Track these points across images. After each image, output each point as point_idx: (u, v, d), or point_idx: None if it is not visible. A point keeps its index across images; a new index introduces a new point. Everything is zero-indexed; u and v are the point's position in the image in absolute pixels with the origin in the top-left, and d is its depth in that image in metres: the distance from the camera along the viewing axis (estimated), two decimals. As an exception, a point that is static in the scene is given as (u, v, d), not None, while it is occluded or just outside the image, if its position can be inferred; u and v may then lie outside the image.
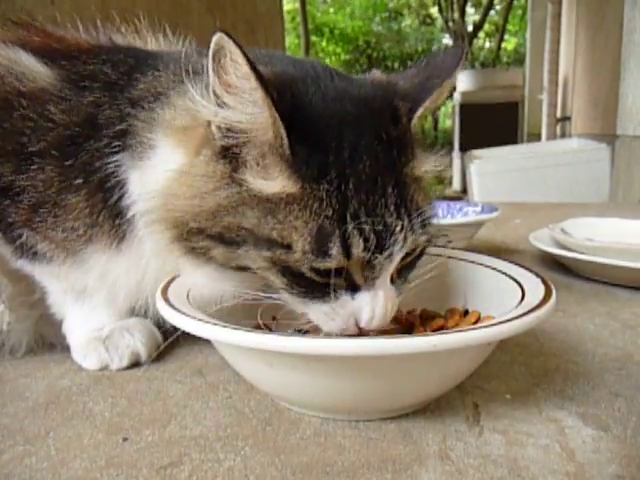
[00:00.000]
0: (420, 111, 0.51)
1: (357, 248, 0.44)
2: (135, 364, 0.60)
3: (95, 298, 0.61)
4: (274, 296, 0.50)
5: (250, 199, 0.45)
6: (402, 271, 0.51)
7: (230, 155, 0.47)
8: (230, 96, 0.44)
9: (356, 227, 0.44)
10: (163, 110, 0.52)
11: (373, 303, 0.47)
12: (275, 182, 0.45)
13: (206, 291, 0.53)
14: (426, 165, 0.51)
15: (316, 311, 0.48)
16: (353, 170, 0.45)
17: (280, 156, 0.45)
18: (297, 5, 7.69)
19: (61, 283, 0.61)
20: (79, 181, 0.54)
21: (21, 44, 0.58)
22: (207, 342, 0.53)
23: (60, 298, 0.62)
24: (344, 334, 0.48)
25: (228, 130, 0.46)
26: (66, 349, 0.62)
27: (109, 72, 0.56)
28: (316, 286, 0.47)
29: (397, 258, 0.47)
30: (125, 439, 0.45)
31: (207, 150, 0.48)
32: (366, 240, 0.44)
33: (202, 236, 0.48)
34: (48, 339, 0.65)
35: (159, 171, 0.50)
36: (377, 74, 0.56)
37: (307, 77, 0.49)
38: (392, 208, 0.46)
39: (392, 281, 0.49)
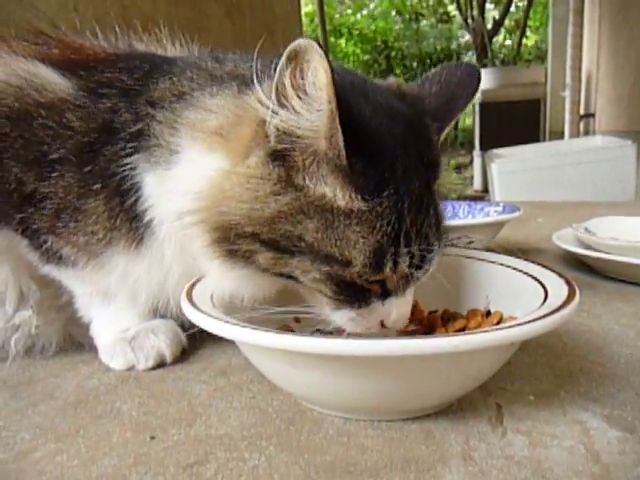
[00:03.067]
0: (446, 132, 0.54)
1: (404, 265, 0.47)
2: (160, 364, 0.61)
3: (120, 300, 0.63)
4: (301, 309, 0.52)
5: (310, 208, 0.46)
6: None
7: (282, 158, 0.47)
8: (299, 101, 0.44)
9: (406, 246, 0.47)
10: (188, 111, 0.53)
11: (400, 307, 0.50)
12: (332, 191, 0.45)
13: (228, 292, 0.53)
14: (442, 175, 0.53)
15: (344, 317, 0.50)
16: (406, 189, 0.47)
17: (336, 166, 0.45)
18: (315, 7, 7.70)
19: (86, 286, 0.62)
20: (97, 186, 0.55)
21: (41, 58, 0.60)
22: (230, 343, 0.54)
23: (86, 301, 0.64)
24: (367, 333, 0.50)
25: (285, 133, 0.45)
26: (94, 349, 0.64)
27: (125, 79, 0.58)
28: (358, 293, 0.49)
29: (430, 272, 0.50)
30: (152, 438, 0.46)
31: (259, 151, 0.47)
32: (412, 258, 0.47)
33: (252, 240, 0.48)
34: (76, 339, 0.67)
35: (190, 172, 0.51)
36: (400, 82, 0.57)
37: (354, 88, 0.49)
38: (434, 229, 0.49)
39: None
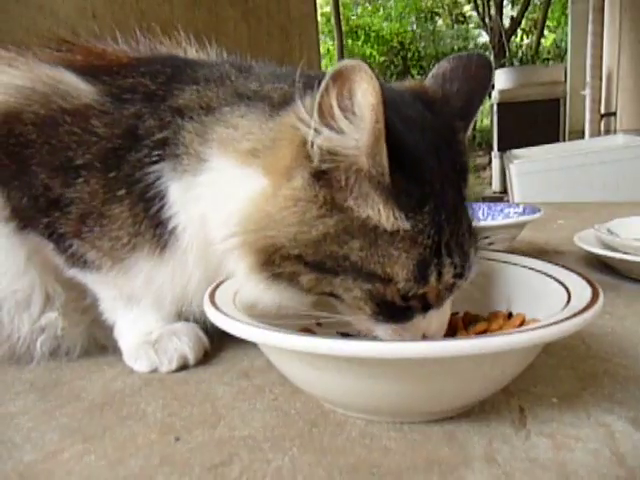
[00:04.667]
0: (470, 129, 0.55)
1: (448, 275, 0.47)
2: (183, 367, 0.61)
3: (143, 304, 0.64)
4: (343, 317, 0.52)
5: (355, 228, 0.46)
6: None
7: (325, 178, 0.46)
8: (345, 121, 0.43)
9: (448, 256, 0.47)
10: (218, 126, 0.54)
11: (440, 318, 0.51)
12: (376, 211, 0.46)
13: (261, 305, 0.53)
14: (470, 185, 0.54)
15: (386, 330, 0.51)
16: (443, 201, 0.47)
17: (379, 184, 0.45)
18: (331, 8, 7.71)
19: (110, 290, 0.63)
20: (122, 192, 0.56)
21: (65, 64, 0.61)
22: (252, 345, 0.54)
23: (110, 304, 0.65)
24: None
25: (329, 153, 0.45)
26: (118, 351, 0.65)
27: (148, 83, 0.59)
28: (399, 310, 0.49)
29: (470, 280, 0.50)
30: (177, 439, 0.47)
31: (303, 172, 0.47)
32: (455, 267, 0.47)
33: (297, 262, 0.48)
34: (100, 341, 0.68)
35: (222, 183, 0.52)
36: (422, 85, 0.57)
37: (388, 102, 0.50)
38: (467, 236, 0.49)
39: None
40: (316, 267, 0.47)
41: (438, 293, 0.49)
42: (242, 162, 0.51)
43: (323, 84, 0.42)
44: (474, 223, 0.52)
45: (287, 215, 0.47)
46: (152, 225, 0.57)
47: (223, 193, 0.52)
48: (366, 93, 0.41)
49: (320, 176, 0.46)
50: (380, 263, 0.46)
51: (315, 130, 0.45)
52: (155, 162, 0.56)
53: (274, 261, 0.49)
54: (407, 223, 0.45)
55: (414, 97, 0.54)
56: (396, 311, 0.49)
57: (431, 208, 0.46)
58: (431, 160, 0.48)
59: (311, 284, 0.49)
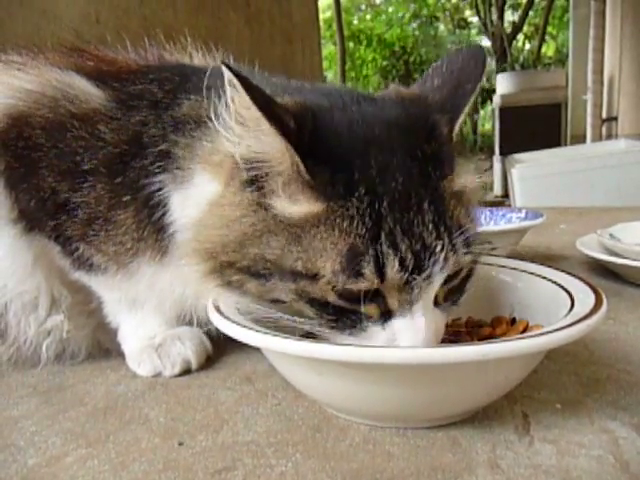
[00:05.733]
0: (461, 119, 0.52)
1: (392, 268, 0.42)
2: (186, 371, 0.61)
3: (147, 307, 0.64)
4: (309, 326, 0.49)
5: (275, 226, 0.45)
6: (450, 294, 0.49)
7: (257, 184, 0.47)
8: (240, 127, 0.44)
9: (391, 246, 0.42)
10: (202, 142, 0.54)
11: (411, 331, 0.44)
12: (300, 206, 0.45)
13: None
14: (466, 177, 0.50)
15: (344, 341, 0.47)
16: (385, 188, 0.44)
17: (302, 181, 0.44)
18: (333, 13, 7.73)
19: (115, 293, 0.64)
20: (127, 198, 0.57)
21: (75, 69, 0.62)
22: (254, 349, 0.54)
23: (115, 308, 0.65)
24: None
25: (248, 161, 0.46)
26: (121, 355, 0.65)
27: (155, 91, 0.59)
28: (345, 315, 0.45)
29: (437, 280, 0.45)
30: (180, 444, 0.47)
31: (235, 181, 0.48)
32: (402, 260, 0.43)
33: (233, 270, 0.48)
34: (105, 345, 0.68)
35: (196, 202, 0.52)
36: (398, 88, 0.56)
37: (333, 105, 0.49)
38: (430, 226, 0.44)
39: (436, 304, 0.47)
40: (248, 273, 0.47)
41: (397, 295, 0.44)
42: (213, 173, 0.52)
43: (226, 96, 0.44)
44: (456, 219, 0.46)
45: (214, 220, 0.49)
46: (154, 231, 0.57)
47: (196, 205, 0.53)
48: (239, 96, 0.42)
49: (251, 183, 0.47)
50: (301, 259, 0.44)
51: (229, 141, 0.46)
52: (158, 173, 0.56)
53: (218, 269, 0.49)
54: (329, 210, 0.44)
55: (377, 99, 0.54)
56: (343, 316, 0.45)
57: (361, 195, 0.43)
58: (370, 148, 0.45)
59: (256, 291, 0.48)
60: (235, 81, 0.41)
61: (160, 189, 0.56)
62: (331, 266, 0.43)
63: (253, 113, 0.42)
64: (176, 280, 0.59)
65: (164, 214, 0.57)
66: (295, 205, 0.45)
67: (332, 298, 0.44)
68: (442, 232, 0.44)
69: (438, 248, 0.44)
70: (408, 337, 0.44)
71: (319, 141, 0.45)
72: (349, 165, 0.45)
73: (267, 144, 0.44)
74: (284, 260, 0.45)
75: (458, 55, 0.55)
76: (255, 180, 0.47)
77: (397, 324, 0.45)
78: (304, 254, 0.44)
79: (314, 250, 0.44)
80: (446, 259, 0.44)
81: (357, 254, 0.43)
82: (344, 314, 0.45)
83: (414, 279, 0.43)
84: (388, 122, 0.48)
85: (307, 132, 0.44)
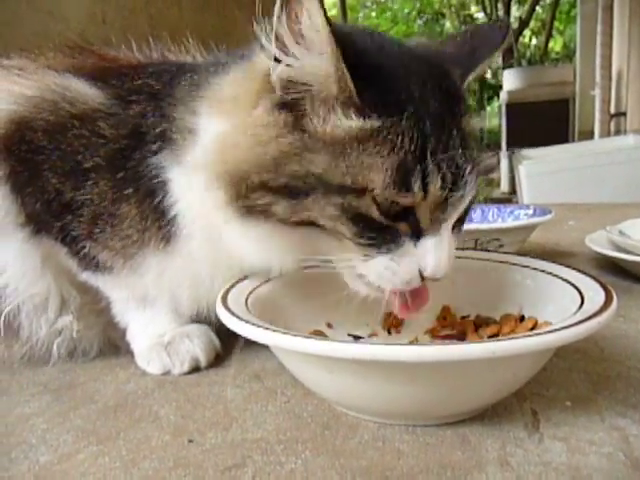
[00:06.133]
0: (471, 77, 0.55)
1: (436, 185, 0.46)
2: (195, 369, 0.62)
3: (158, 304, 0.64)
4: (328, 263, 0.51)
5: (315, 144, 0.47)
6: (456, 222, 0.51)
7: (290, 107, 0.48)
8: (298, 47, 0.45)
9: (436, 164, 0.46)
10: (204, 90, 0.55)
11: (438, 249, 0.48)
12: (348, 123, 0.46)
13: (256, 262, 0.55)
14: (474, 123, 0.54)
15: (378, 267, 0.49)
16: (426, 110, 0.47)
17: (348, 103, 0.46)
18: (338, 10, 7.71)
19: (122, 292, 0.64)
20: (129, 191, 0.57)
21: (74, 70, 0.62)
22: (263, 347, 0.54)
23: (123, 307, 0.66)
24: (409, 288, 0.50)
25: (290, 82, 0.47)
26: (130, 353, 0.65)
27: (153, 83, 0.60)
28: (383, 233, 0.48)
29: (467, 199, 0.49)
30: (190, 441, 0.47)
31: (265, 101, 0.49)
32: (444, 177, 0.46)
33: (264, 190, 0.48)
34: (115, 342, 0.69)
35: (206, 140, 0.52)
36: (420, 40, 0.60)
37: (367, 34, 0.52)
38: (461, 152, 0.48)
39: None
40: (282, 191, 0.48)
41: (429, 212, 0.47)
42: (222, 109, 0.52)
43: (275, 13, 0.43)
44: (474, 150, 0.50)
45: (243, 140, 0.49)
46: (156, 218, 0.58)
47: (204, 140, 0.53)
48: (310, 15, 0.42)
49: (284, 105, 0.48)
50: (350, 173, 0.45)
51: (275, 59, 0.46)
52: (156, 152, 0.57)
53: (243, 193, 0.49)
54: (379, 123, 0.45)
55: (413, 46, 0.56)
56: (380, 233, 0.48)
57: (410, 113, 0.46)
58: (411, 76, 0.48)
59: (286, 212, 0.49)
60: (313, 2, 0.42)
61: (159, 171, 0.56)
62: (381, 180, 0.45)
63: (322, 36, 0.43)
64: (183, 265, 0.59)
65: (164, 197, 0.57)
66: (341, 124, 0.46)
67: (375, 214, 0.47)
68: (468, 157, 0.48)
69: (467, 170, 0.48)
70: (436, 256, 0.48)
71: (365, 66, 0.46)
72: (396, 87, 0.47)
73: (319, 67, 0.45)
74: (330, 175, 0.46)
75: (483, 28, 0.59)
76: (291, 103, 0.47)
77: (427, 242, 0.48)
78: (352, 169, 0.46)
79: (363, 165, 0.46)
80: (473, 181, 0.48)
81: (407, 169, 0.45)
82: (380, 232, 0.48)
83: (451, 196, 0.47)
84: (418, 58, 0.52)
85: (351, 56, 0.45)
